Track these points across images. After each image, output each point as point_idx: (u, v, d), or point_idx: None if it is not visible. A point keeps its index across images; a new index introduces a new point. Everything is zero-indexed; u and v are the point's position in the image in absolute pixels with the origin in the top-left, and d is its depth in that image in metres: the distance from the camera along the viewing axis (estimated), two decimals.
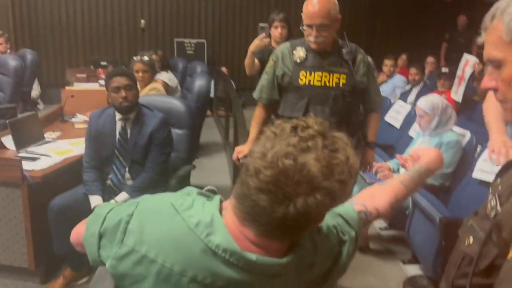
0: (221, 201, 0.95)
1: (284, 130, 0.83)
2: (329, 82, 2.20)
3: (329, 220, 0.99)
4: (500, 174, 0.96)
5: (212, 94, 6.60)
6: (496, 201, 0.90)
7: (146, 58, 3.68)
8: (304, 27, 2.17)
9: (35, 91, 6.72)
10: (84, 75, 5.63)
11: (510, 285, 0.76)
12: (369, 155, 2.45)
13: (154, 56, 4.78)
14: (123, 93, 2.43)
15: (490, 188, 0.95)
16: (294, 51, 2.26)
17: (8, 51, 5.19)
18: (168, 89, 4.54)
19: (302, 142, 0.80)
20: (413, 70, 5.16)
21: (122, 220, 0.93)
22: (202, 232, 0.86)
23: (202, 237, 0.86)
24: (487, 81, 0.88)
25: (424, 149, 1.30)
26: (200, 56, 7.61)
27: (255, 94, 2.41)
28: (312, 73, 2.20)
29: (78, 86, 4.22)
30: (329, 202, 0.82)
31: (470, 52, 5.98)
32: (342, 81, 2.20)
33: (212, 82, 6.78)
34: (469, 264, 0.90)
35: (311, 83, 2.20)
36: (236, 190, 0.86)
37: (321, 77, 2.20)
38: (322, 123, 0.86)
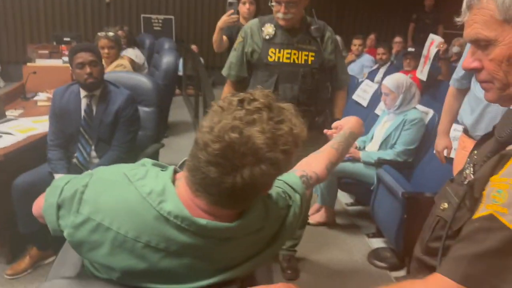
0: (175, 172, 0.99)
1: (231, 103, 0.87)
2: (298, 59, 2.21)
3: (277, 187, 1.06)
4: (476, 146, 1.01)
5: (181, 73, 6.52)
6: (471, 169, 0.94)
7: (111, 33, 3.58)
8: (273, 4, 2.16)
9: None
10: (46, 51, 5.41)
11: (469, 244, 0.81)
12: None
13: (119, 32, 4.65)
14: (87, 69, 2.37)
15: (467, 159, 0.99)
16: (263, 28, 2.24)
17: None
18: (135, 66, 4.44)
19: (248, 115, 0.84)
20: (380, 50, 5.23)
21: (77, 190, 0.96)
22: (154, 200, 0.90)
23: (154, 204, 0.90)
24: (470, 62, 0.88)
25: (344, 118, 1.51)
26: (168, 33, 7.47)
27: (224, 71, 2.40)
28: (281, 51, 2.20)
29: (40, 63, 4.07)
30: (274, 171, 0.87)
31: (436, 33, 6.12)
32: (311, 58, 2.21)
33: (181, 60, 6.70)
34: (442, 228, 0.95)
35: (280, 60, 2.20)
36: (188, 163, 0.90)
37: (290, 54, 2.20)
38: (268, 95, 0.90)
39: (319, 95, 2.28)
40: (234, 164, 0.84)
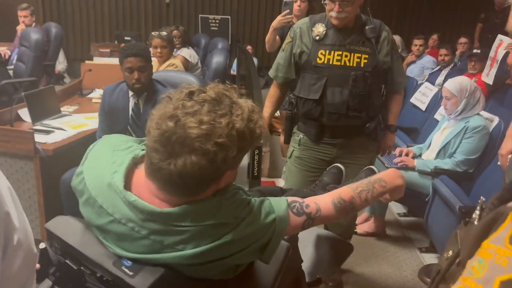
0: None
1: (180, 94, 0.93)
2: (349, 61, 2.06)
3: (252, 197, 1.07)
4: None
5: (235, 72, 6.53)
6: (477, 213, 0.79)
7: (164, 33, 3.62)
8: (326, 1, 2.03)
9: (61, 65, 6.79)
10: (107, 50, 5.66)
11: None
12: (389, 138, 2.32)
13: (175, 32, 4.72)
14: (136, 75, 2.38)
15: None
16: (313, 28, 2.12)
17: (33, 24, 5.21)
18: (188, 65, 4.49)
19: (191, 107, 0.89)
20: (443, 51, 4.93)
21: (90, 147, 1.13)
22: (112, 169, 1.01)
23: (111, 173, 1.00)
24: None
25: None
26: (224, 33, 7.50)
27: (271, 73, 2.32)
28: (332, 52, 2.07)
29: (97, 61, 4.22)
30: (206, 163, 0.89)
31: (505, 34, 5.68)
32: (364, 61, 2.06)
33: (236, 60, 6.70)
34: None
35: (330, 62, 2.07)
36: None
37: (341, 56, 2.06)
38: (222, 89, 0.95)
39: (371, 100, 2.11)
40: (169, 152, 0.89)
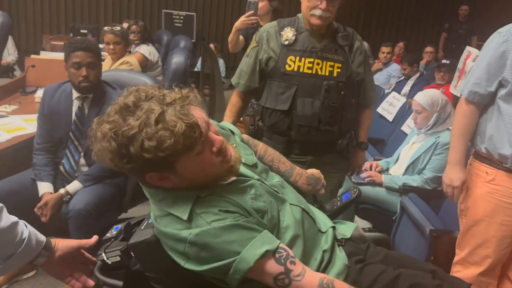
0: None
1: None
2: (321, 70, 1.87)
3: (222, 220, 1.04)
4: None
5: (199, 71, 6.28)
6: None
7: (118, 28, 3.33)
8: None
9: (12, 56, 6.33)
10: (61, 43, 5.26)
11: None
12: (359, 157, 2.17)
13: (134, 27, 4.43)
14: (84, 72, 2.12)
15: None
16: (281, 32, 1.92)
17: None
18: (148, 64, 4.21)
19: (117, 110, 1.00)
20: (404, 65, 4.92)
21: None
22: None
23: None
24: None
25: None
26: (189, 30, 7.23)
27: (233, 80, 2.09)
28: (302, 59, 1.87)
29: (48, 55, 3.86)
30: (109, 154, 0.99)
31: (469, 44, 5.72)
32: (337, 70, 1.88)
33: (200, 59, 6.46)
34: None
35: (301, 70, 1.87)
36: None
37: (313, 64, 1.87)
38: (134, 93, 1.01)
39: (344, 113, 1.93)
40: None
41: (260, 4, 2.94)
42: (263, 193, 1.16)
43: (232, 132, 1.35)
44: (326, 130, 1.90)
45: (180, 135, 0.95)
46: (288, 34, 1.90)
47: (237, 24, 2.72)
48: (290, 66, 1.88)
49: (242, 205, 1.08)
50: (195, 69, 6.70)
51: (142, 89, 1.02)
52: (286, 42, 1.90)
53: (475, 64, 1.77)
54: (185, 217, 1.02)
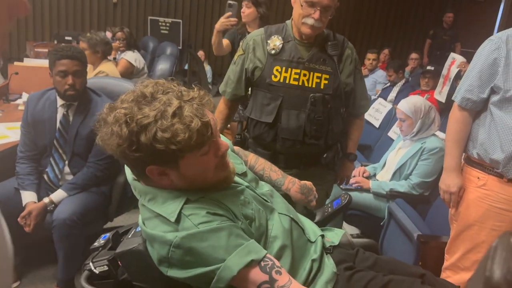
0: None
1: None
2: (308, 81, 1.81)
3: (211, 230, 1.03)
4: None
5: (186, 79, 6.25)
6: None
7: (88, 35, 3.30)
8: (302, 5, 1.76)
9: None
10: (45, 50, 5.19)
11: None
12: (347, 168, 2.10)
13: (119, 34, 4.41)
14: (70, 80, 2.09)
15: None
16: (268, 40, 1.86)
17: None
18: (133, 70, 4.20)
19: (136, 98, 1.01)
20: (390, 72, 4.98)
21: None
22: None
23: None
24: None
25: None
26: (175, 37, 7.21)
27: (221, 87, 2.04)
28: (289, 70, 1.81)
29: (31, 62, 3.80)
30: (117, 139, 0.99)
31: (453, 51, 5.80)
32: (324, 81, 1.82)
33: (187, 66, 6.43)
34: None
35: (287, 81, 1.81)
36: None
37: (299, 75, 1.81)
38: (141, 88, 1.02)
39: (330, 127, 1.87)
40: None
41: (247, 11, 2.96)
42: (251, 200, 1.15)
43: None
44: (312, 143, 1.85)
45: (195, 131, 0.97)
46: (275, 42, 1.85)
47: (217, 25, 2.77)
48: (276, 76, 1.83)
49: (232, 209, 1.08)
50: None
51: (161, 82, 1.04)
52: (273, 51, 1.85)
53: (468, 71, 1.79)
54: (173, 219, 1.01)
